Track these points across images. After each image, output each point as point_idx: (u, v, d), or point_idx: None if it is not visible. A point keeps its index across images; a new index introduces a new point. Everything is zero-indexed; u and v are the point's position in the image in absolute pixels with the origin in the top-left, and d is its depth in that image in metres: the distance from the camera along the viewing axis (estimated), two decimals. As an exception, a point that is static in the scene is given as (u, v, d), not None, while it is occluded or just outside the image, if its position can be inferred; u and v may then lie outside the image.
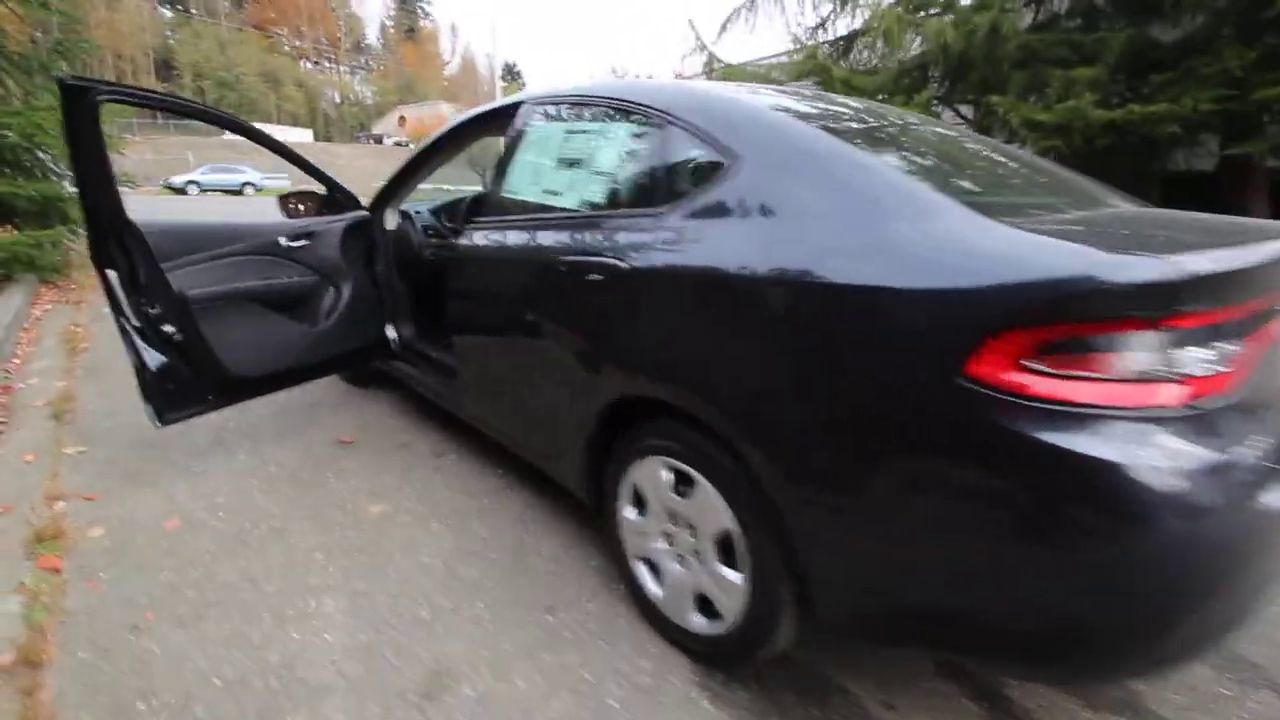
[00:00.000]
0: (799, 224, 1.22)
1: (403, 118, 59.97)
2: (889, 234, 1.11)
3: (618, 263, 1.52)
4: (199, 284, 2.20)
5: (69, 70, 6.23)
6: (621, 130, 1.72)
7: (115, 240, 2.01)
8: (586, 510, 2.02)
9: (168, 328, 2.14)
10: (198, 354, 2.21)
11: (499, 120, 2.24)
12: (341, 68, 76.25)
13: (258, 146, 2.54)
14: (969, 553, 1.05)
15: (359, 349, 2.82)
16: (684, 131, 1.53)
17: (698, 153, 1.50)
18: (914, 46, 8.25)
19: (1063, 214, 1.34)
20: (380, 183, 2.80)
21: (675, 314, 1.40)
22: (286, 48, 69.00)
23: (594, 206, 1.73)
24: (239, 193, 24.47)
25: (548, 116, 2.00)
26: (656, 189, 1.56)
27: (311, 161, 2.59)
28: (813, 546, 1.22)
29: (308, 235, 2.56)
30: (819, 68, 8.38)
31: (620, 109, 1.73)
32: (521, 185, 2.01)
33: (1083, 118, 5.85)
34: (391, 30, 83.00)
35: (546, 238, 1.80)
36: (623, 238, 1.56)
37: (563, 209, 1.82)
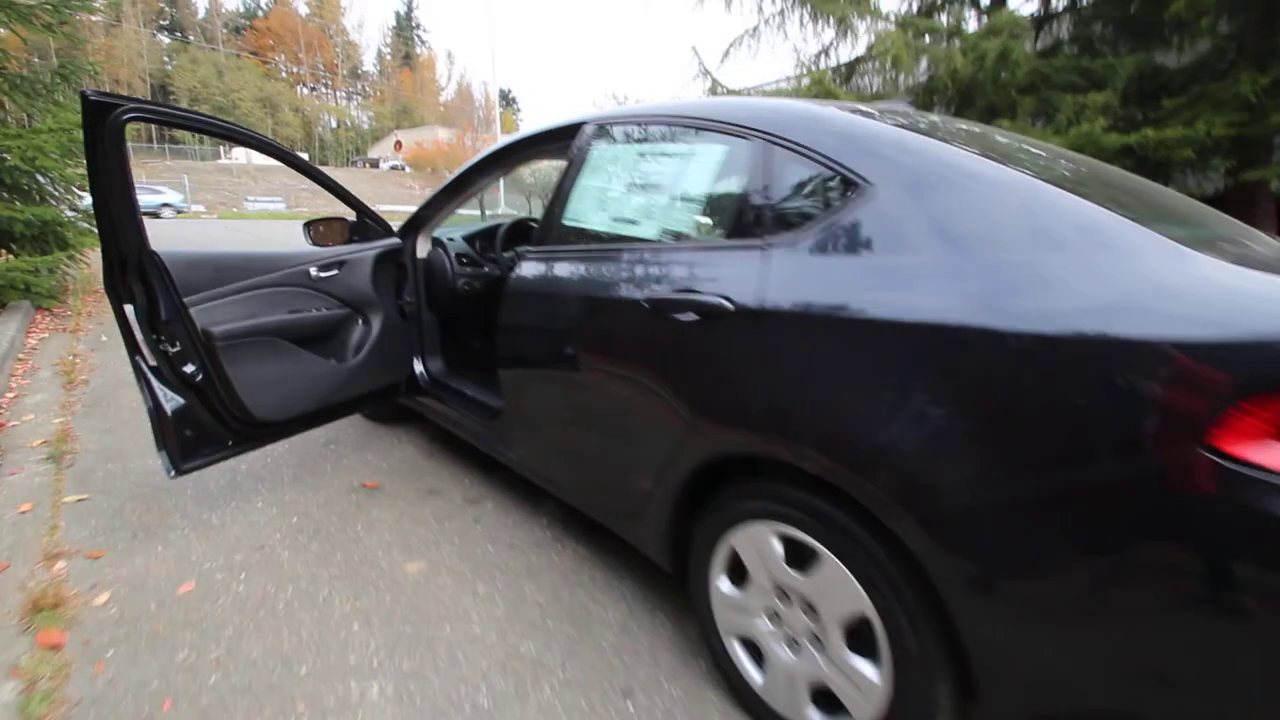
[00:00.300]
0: (973, 259, 1.04)
1: (399, 142, 60.26)
2: (1104, 272, 0.93)
3: (720, 301, 1.34)
4: (224, 319, 2.00)
5: (74, 92, 6.07)
6: (709, 153, 1.55)
7: (136, 272, 1.82)
8: (654, 569, 1.81)
9: (188, 368, 1.93)
10: (219, 397, 2.00)
11: (555, 142, 2.07)
12: (338, 93, 76.83)
13: (297, 174, 2.37)
14: (1191, 651, 0.85)
15: (389, 386, 2.62)
16: (793, 153, 1.36)
17: (812, 177, 1.32)
18: (920, 71, 8.27)
19: (1245, 247, 1.17)
20: (387, 206, 2.63)
21: (804, 362, 1.21)
22: (284, 74, 69.50)
23: (678, 237, 1.56)
24: (156, 215, 24.26)
25: (617, 138, 1.83)
26: (760, 218, 1.38)
27: (343, 187, 2.41)
28: (987, 638, 1.02)
29: (338, 265, 2.37)
30: (825, 93, 8.38)
31: (706, 128, 1.56)
32: (586, 212, 1.83)
33: (1095, 143, 5.81)
34: (388, 57, 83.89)
35: (621, 271, 1.62)
36: (723, 272, 1.38)
37: (640, 239, 1.64)
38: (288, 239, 17.54)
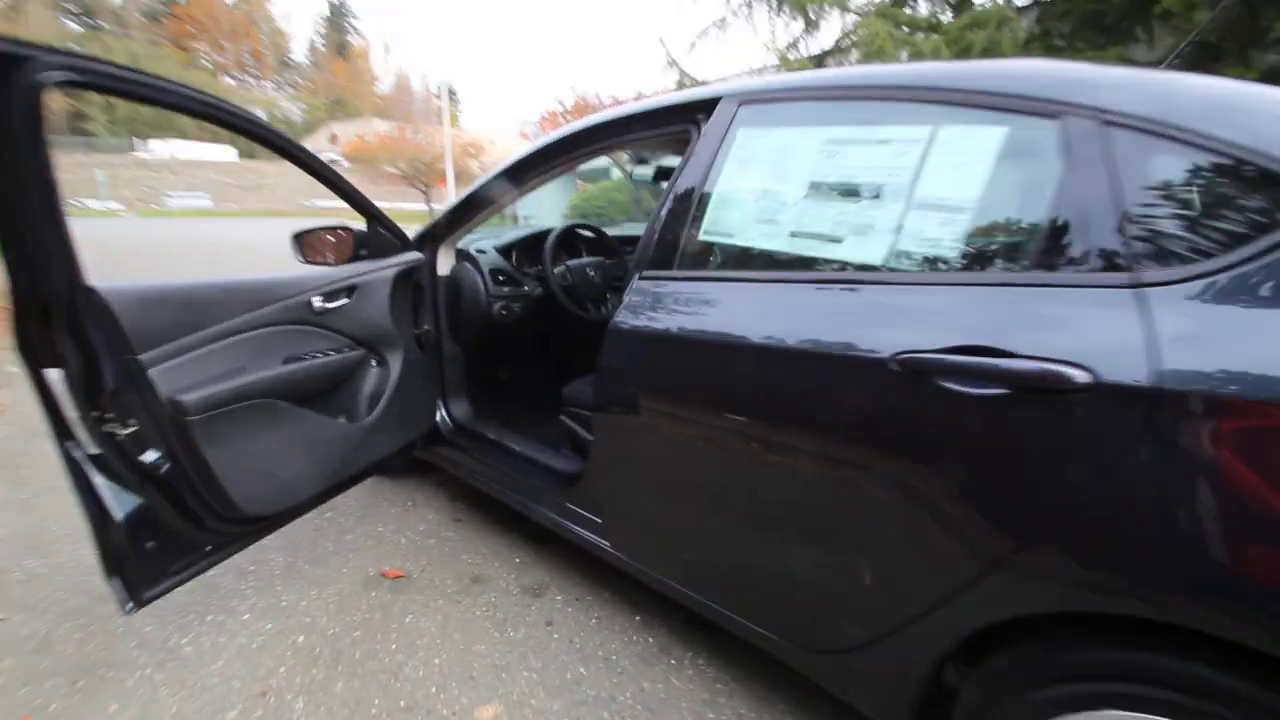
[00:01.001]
0: None
1: (335, 135, 57.55)
2: None
3: (1067, 371, 0.84)
4: (200, 380, 1.39)
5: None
6: (976, 140, 1.05)
7: (65, 321, 1.20)
8: (828, 699, 1.31)
9: (149, 455, 1.32)
10: (196, 492, 1.40)
11: (665, 125, 1.54)
12: (266, 84, 72.94)
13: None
14: None
15: (411, 444, 2.03)
16: (1165, 140, 0.87)
17: (1213, 176, 0.84)
18: (900, 60, 8.03)
19: None
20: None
21: (1245, 479, 0.73)
22: (206, 63, 65.51)
23: (933, 264, 1.05)
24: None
25: (787, 119, 1.31)
26: (1114, 241, 0.89)
27: (352, 186, 1.80)
28: None
29: (347, 291, 1.77)
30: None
31: (965, 103, 1.06)
32: (743, 223, 1.31)
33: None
34: (320, 47, 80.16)
35: (829, 311, 1.11)
36: (1049, 322, 0.89)
37: (856, 265, 1.13)
38: (219, 238, 16.14)
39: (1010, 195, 1.01)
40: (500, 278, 2.20)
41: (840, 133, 1.22)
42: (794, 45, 10.55)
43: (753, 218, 1.30)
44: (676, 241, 1.40)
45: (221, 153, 50.33)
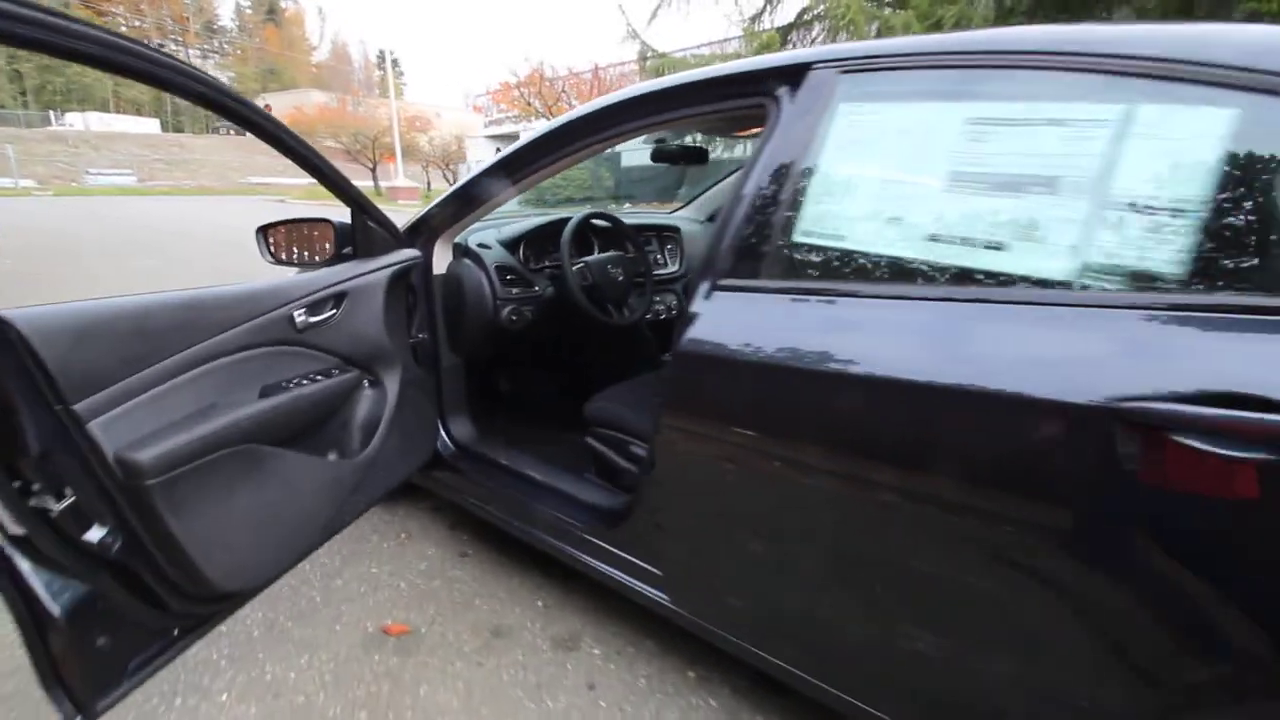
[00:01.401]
0: None
1: (268, 106, 54.47)
2: None
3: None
4: (158, 427, 1.07)
5: None
6: (1203, 124, 0.81)
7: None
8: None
9: (95, 533, 1.00)
10: (160, 570, 1.09)
11: (732, 96, 1.28)
12: (190, 51, 68.40)
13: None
14: None
15: (411, 474, 1.74)
16: None
17: None
18: (869, 36, 7.90)
19: None
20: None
21: None
22: (124, 28, 60.98)
23: (1152, 283, 0.82)
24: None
25: (919, 92, 1.06)
26: None
27: (335, 169, 1.46)
28: None
29: (335, 300, 1.45)
30: (769, 56, 7.87)
31: (1187, 78, 0.83)
32: (860, 225, 1.06)
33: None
34: (249, 12, 75.51)
35: (1009, 341, 0.87)
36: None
37: (1043, 282, 0.89)
38: (149, 219, 14.91)
39: (1252, 195, 0.78)
40: (508, 277, 1.90)
41: (990, 110, 0.98)
42: (758, 17, 10.33)
43: (872, 216, 1.05)
44: (763, 244, 1.14)
45: (144, 125, 47.17)
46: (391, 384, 1.61)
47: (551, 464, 1.82)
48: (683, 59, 11.21)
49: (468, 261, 1.87)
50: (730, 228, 1.19)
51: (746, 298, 1.15)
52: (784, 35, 9.71)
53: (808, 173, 1.12)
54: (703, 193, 2.86)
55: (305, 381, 1.37)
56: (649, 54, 11.89)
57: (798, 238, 1.11)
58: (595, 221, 2.15)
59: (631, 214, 2.25)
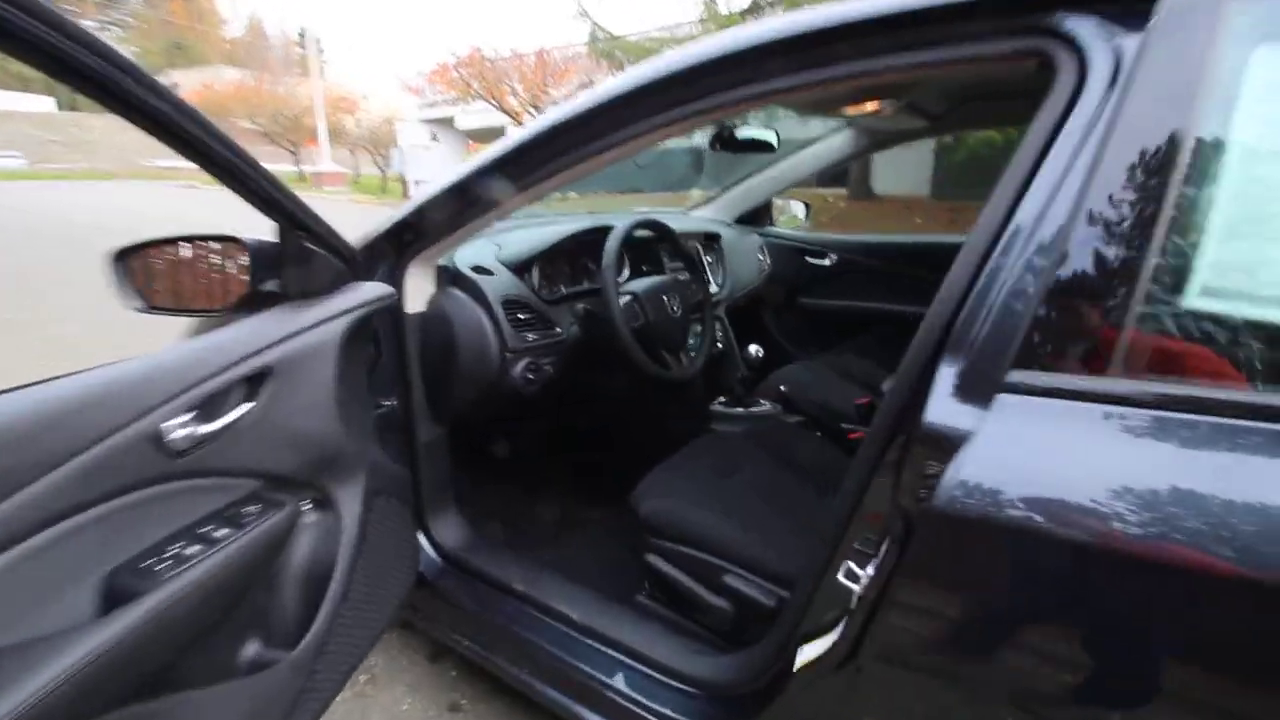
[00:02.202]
0: None
1: (175, 84, 50.47)
2: None
3: None
4: None
5: None
6: None
7: None
8: None
9: None
10: None
11: (965, 39, 0.73)
12: (88, 23, 62.66)
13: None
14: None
15: (384, 630, 1.13)
16: None
17: None
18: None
19: None
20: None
21: None
22: None
23: None
24: None
25: None
26: None
27: (250, 158, 0.82)
28: None
29: (247, 386, 0.82)
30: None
31: None
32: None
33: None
34: (152, -19, 69.75)
35: None
36: None
37: None
38: (42, 207, 12.91)
39: None
40: (520, 315, 1.29)
41: None
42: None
43: None
44: (1106, 305, 0.61)
45: (36, 103, 42.90)
46: (349, 502, 1.00)
47: (587, 584, 1.25)
48: (638, 43, 10.62)
49: (459, 294, 1.25)
50: (1015, 276, 0.66)
51: (1079, 413, 0.61)
52: (750, 10, 9.30)
53: (1197, 173, 0.58)
54: (733, 186, 2.31)
55: (196, 546, 0.74)
56: (601, 35, 11.26)
57: (1196, 299, 0.57)
58: (639, 232, 1.54)
59: (645, 214, 1.69)
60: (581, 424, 1.81)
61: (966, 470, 0.65)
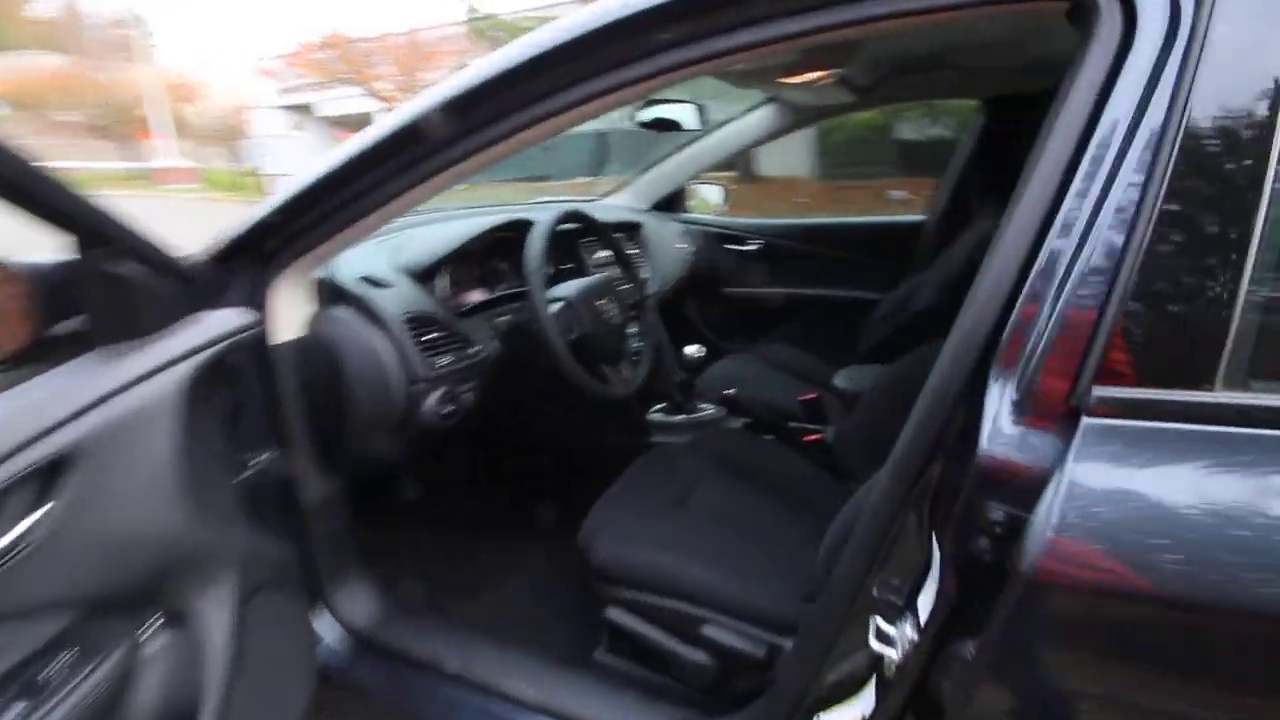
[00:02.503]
0: None
1: (-25, 72, 43.40)
2: None
3: None
4: None
5: None
6: None
7: None
8: None
9: None
10: None
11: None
12: None
13: None
14: None
15: None
16: None
17: None
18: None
19: None
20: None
21: None
22: None
23: None
24: None
25: None
26: None
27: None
28: None
29: (39, 483, 0.55)
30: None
31: None
32: None
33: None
34: (-72, -52, 59.56)
35: None
36: None
37: None
38: None
39: None
40: (427, 334, 1.05)
41: None
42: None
43: None
44: (1213, 301, 0.49)
45: None
46: (214, 612, 0.74)
47: (534, 646, 1.05)
48: (514, 23, 10.17)
49: (346, 313, 0.99)
50: (1081, 272, 0.53)
51: (1198, 439, 0.49)
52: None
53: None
54: (648, 169, 2.13)
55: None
56: (475, 13, 10.71)
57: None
58: (564, 225, 1.30)
59: (568, 205, 1.46)
60: (509, 453, 1.57)
61: (1062, 517, 0.51)
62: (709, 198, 2.34)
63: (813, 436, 1.47)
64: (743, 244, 2.17)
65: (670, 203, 2.19)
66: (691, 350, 1.54)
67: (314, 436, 1.00)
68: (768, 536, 1.14)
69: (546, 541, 1.37)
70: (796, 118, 1.87)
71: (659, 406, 1.63)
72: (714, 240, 2.17)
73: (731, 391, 1.57)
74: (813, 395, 1.55)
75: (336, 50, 12.63)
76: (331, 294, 1.01)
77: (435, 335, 1.07)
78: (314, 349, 0.98)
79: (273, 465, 0.98)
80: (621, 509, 1.15)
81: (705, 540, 1.10)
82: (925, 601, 0.67)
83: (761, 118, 1.91)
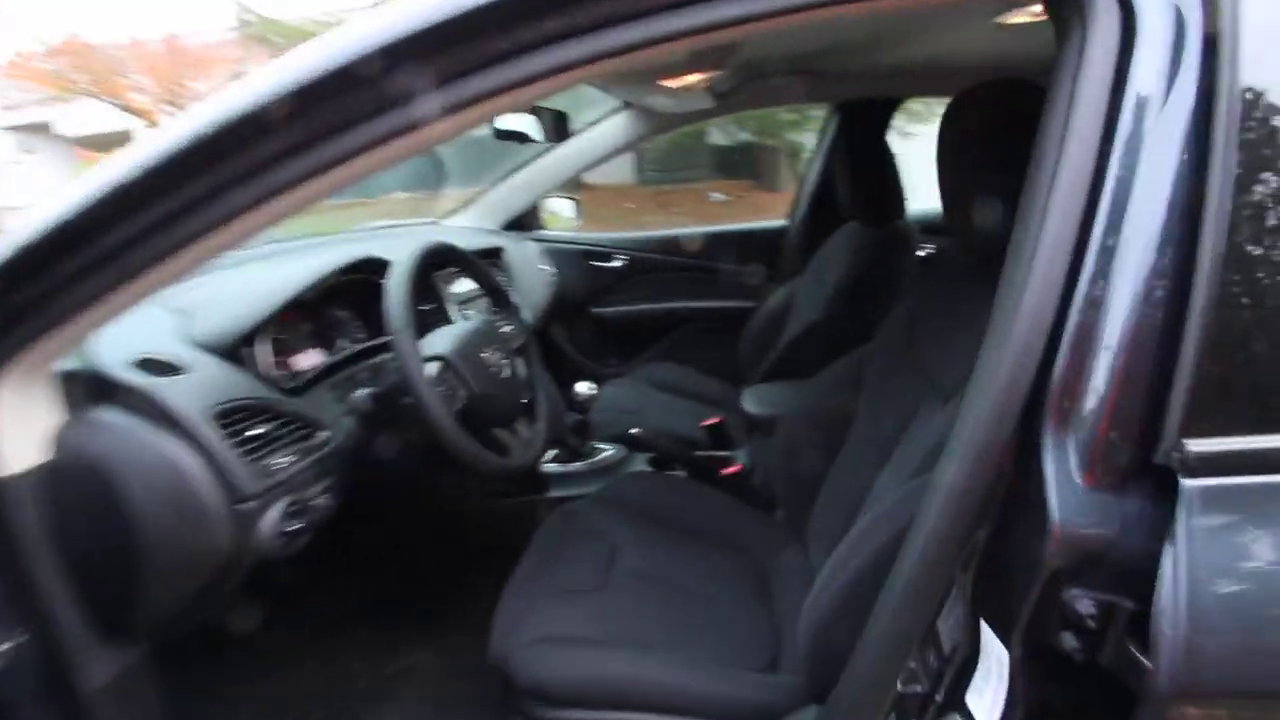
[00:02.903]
0: None
1: None
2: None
3: None
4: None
5: None
6: None
7: None
8: None
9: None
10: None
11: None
12: None
13: None
14: None
15: None
16: None
17: None
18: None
19: None
20: None
21: None
22: None
23: None
24: None
25: None
26: None
27: None
28: None
29: None
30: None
31: None
32: None
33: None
34: None
35: None
36: None
37: None
38: None
39: None
40: (256, 431, 0.75)
41: None
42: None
43: None
44: None
45: None
46: None
47: None
48: (299, 26, 9.19)
49: (118, 418, 0.68)
50: (1136, 303, 0.45)
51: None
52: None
53: None
54: (495, 185, 1.89)
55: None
56: (254, 19, 9.56)
57: None
58: (428, 263, 1.01)
59: (429, 237, 1.17)
60: (376, 550, 1.26)
61: (1193, 608, 0.40)
62: (562, 213, 2.15)
63: (730, 470, 1.35)
64: (608, 260, 2.02)
65: (521, 221, 1.98)
66: (583, 388, 1.35)
67: (90, 601, 0.68)
68: (713, 597, 0.99)
69: (435, 649, 1.11)
70: (653, 125, 1.76)
71: (551, 454, 1.42)
72: (576, 258, 1.99)
73: (637, 431, 1.40)
74: (716, 420, 1.43)
75: (74, 59, 10.62)
76: (92, 390, 0.69)
77: (265, 429, 0.78)
78: (71, 476, 0.65)
79: (20, 654, 0.65)
80: (536, 600, 0.94)
81: (646, 621, 0.92)
82: (980, 703, 0.55)
83: (616, 126, 1.77)
